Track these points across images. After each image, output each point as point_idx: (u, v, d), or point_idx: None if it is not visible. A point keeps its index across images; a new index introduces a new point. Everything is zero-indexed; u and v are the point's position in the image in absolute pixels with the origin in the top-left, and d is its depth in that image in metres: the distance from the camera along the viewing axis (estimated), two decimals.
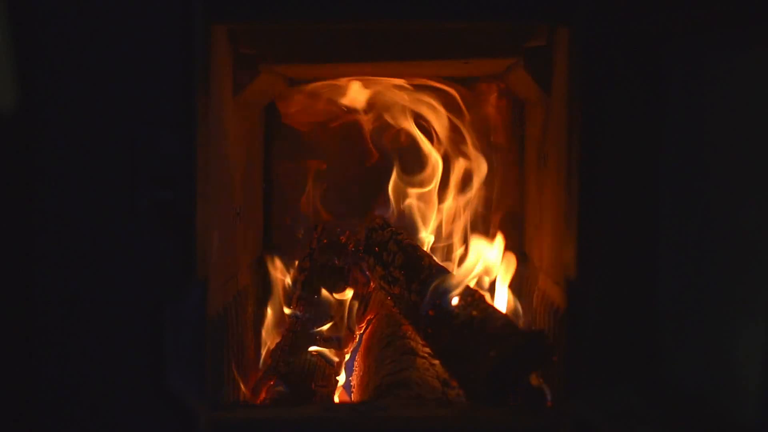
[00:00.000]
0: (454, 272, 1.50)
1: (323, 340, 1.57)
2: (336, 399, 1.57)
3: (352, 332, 1.63)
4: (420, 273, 1.47)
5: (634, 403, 1.08)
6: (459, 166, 1.72)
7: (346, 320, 1.62)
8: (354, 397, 1.59)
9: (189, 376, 1.07)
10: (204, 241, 1.11)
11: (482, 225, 1.74)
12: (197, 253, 1.08)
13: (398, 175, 1.71)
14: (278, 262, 1.73)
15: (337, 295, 1.63)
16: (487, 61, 1.56)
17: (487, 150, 1.75)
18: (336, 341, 1.58)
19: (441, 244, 1.73)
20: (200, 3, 1.07)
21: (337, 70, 1.69)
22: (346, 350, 1.63)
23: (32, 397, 1.08)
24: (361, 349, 1.64)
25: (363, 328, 1.67)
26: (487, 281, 1.52)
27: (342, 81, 1.73)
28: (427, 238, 1.69)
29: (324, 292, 1.63)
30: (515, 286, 1.62)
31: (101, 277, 1.08)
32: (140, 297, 1.08)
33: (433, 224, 1.72)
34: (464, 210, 1.70)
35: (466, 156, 1.71)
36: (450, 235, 1.72)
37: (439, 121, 1.72)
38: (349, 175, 1.86)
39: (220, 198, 1.29)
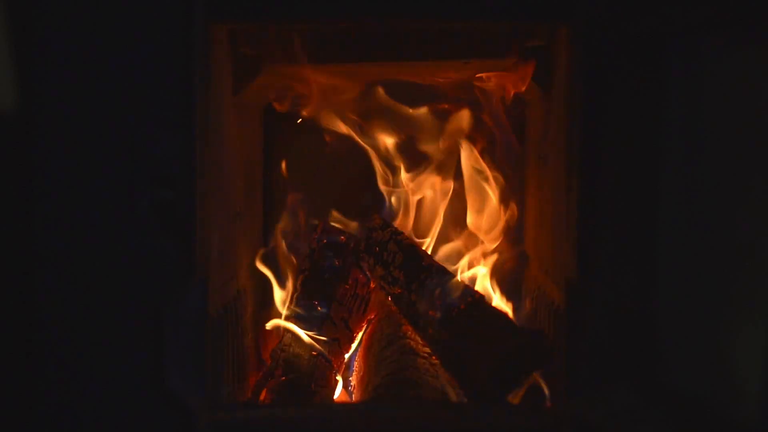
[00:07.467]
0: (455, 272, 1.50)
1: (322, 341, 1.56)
2: (336, 399, 1.57)
3: (351, 332, 1.63)
4: (420, 273, 1.47)
5: (634, 403, 1.08)
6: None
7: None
8: (354, 397, 1.59)
9: (189, 376, 1.07)
10: (204, 241, 1.11)
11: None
12: (197, 253, 1.08)
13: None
14: (278, 262, 1.73)
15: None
16: (487, 61, 1.56)
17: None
18: (335, 342, 1.58)
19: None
20: (200, 3, 1.07)
21: (336, 70, 1.69)
22: (345, 350, 1.62)
23: (32, 397, 1.08)
24: (361, 349, 1.64)
25: (363, 328, 1.67)
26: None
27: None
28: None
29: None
30: (515, 284, 1.63)
31: (101, 277, 1.08)
32: (140, 297, 1.08)
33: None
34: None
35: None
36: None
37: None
38: (349, 174, 1.86)
39: (220, 198, 1.29)
